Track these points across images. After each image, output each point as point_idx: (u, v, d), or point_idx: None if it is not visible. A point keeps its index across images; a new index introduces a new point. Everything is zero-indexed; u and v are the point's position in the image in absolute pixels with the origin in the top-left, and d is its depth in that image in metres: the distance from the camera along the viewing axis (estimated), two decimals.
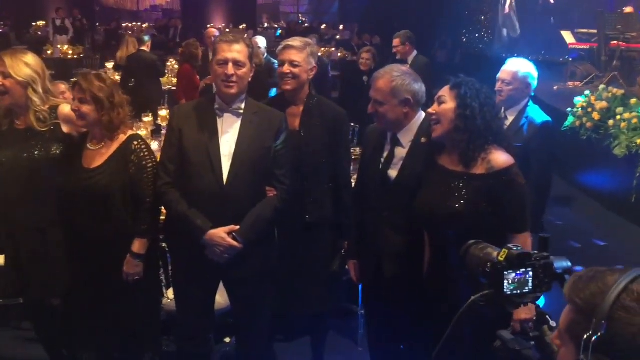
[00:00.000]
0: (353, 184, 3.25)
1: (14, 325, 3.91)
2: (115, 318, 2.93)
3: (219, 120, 2.77)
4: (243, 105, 2.79)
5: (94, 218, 2.82)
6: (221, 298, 3.06)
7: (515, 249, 1.43)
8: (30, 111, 2.93)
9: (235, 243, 2.71)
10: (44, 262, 2.98)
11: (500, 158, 2.42)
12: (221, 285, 2.96)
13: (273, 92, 5.77)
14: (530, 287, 1.42)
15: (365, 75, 6.45)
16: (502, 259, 1.42)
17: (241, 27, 16.18)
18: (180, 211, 2.74)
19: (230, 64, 2.69)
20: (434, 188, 2.55)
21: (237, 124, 2.77)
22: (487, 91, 2.52)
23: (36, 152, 2.93)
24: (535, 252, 1.44)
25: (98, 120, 2.82)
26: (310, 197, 3.08)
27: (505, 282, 1.41)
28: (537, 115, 3.62)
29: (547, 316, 1.47)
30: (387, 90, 2.67)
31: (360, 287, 3.36)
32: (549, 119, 3.67)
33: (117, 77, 8.94)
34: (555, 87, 9.08)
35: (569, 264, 1.45)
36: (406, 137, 2.76)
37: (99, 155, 2.86)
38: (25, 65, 2.92)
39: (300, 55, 3.06)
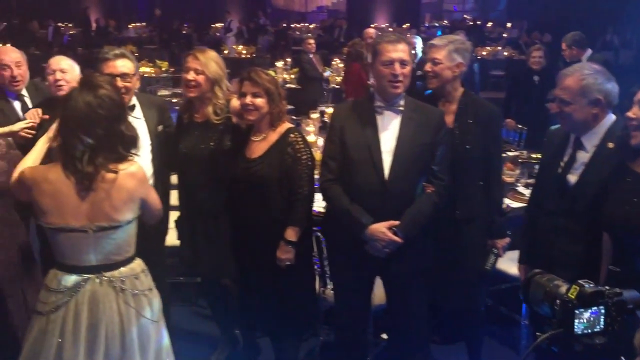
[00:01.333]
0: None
1: (192, 302, 4.25)
2: (275, 301, 3.08)
3: (378, 118, 2.83)
4: (402, 103, 2.83)
5: (254, 205, 2.99)
6: (380, 294, 3.11)
7: (587, 285, 1.34)
8: (210, 105, 3.18)
9: (396, 238, 2.75)
10: (215, 245, 3.21)
11: None
12: (380, 281, 3.01)
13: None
14: (602, 326, 1.34)
15: (537, 75, 6.11)
16: (573, 297, 1.34)
17: (404, 26, 16.17)
18: (342, 206, 2.83)
19: (397, 64, 2.74)
20: (627, 196, 2.38)
21: (397, 121, 2.82)
22: None
23: (212, 144, 3.17)
24: (607, 287, 1.35)
25: (268, 113, 2.98)
26: (461, 194, 3.05)
27: (576, 321, 1.33)
28: None
29: None
30: (576, 88, 2.54)
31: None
32: None
33: (285, 76, 9.42)
34: None
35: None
36: (591, 141, 2.61)
37: (259, 147, 3.02)
38: (215, 63, 3.18)
39: (441, 53, 3.06)
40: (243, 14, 18.86)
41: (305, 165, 2.98)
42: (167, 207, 3.32)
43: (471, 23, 19.31)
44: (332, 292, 3.23)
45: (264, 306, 3.13)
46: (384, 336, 3.61)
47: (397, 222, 2.76)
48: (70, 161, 2.24)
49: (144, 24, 19.25)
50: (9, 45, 3.78)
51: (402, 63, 2.75)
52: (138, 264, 2.45)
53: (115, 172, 2.28)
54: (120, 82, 3.05)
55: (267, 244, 2.99)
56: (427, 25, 20.13)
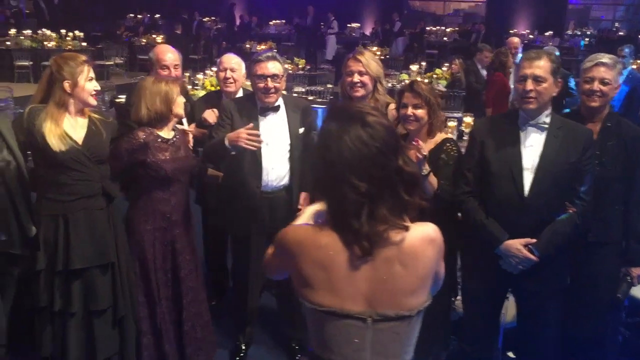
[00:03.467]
0: None
1: None
2: None
3: (521, 134, 2.82)
4: (548, 120, 2.80)
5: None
6: (513, 311, 3.08)
7: None
8: (371, 101, 3.32)
9: (531, 255, 2.73)
10: None
11: None
12: (512, 298, 2.98)
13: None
14: None
15: None
16: None
17: (547, 33, 15.50)
18: (477, 219, 2.84)
19: (530, 80, 2.73)
20: None
21: (541, 137, 2.79)
22: None
23: None
24: None
25: (428, 123, 3.04)
26: (597, 216, 2.95)
27: None
28: None
29: None
30: None
31: None
32: None
33: (419, 79, 9.41)
34: None
35: None
36: None
37: (414, 156, 3.09)
38: (375, 62, 3.36)
39: (610, 73, 3.04)
40: (379, 15, 18.99)
41: (449, 169, 3.03)
42: None
43: (621, 34, 18.08)
44: (462, 302, 3.25)
45: None
46: (511, 354, 3.56)
47: (533, 240, 2.73)
48: (341, 219, 1.61)
49: (283, 21, 20.00)
50: (168, 46, 3.99)
51: (536, 79, 2.73)
52: None
53: (405, 228, 1.63)
54: (270, 83, 3.25)
55: None
56: (569, 33, 19.13)
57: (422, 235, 1.65)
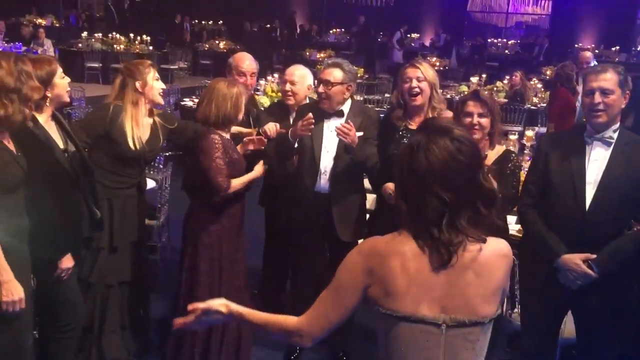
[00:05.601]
0: None
1: None
2: None
3: (587, 148, 2.79)
4: (615, 135, 2.76)
5: None
6: (572, 327, 3.04)
7: None
8: (429, 109, 3.37)
9: (589, 271, 2.69)
10: None
11: None
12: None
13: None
14: None
15: None
16: None
17: (613, 49, 15.08)
18: (538, 232, 2.83)
19: (597, 93, 2.71)
20: None
21: (607, 152, 2.75)
22: None
23: None
24: None
25: (489, 133, 3.04)
26: None
27: None
28: None
29: None
30: None
31: None
32: None
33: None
34: None
35: None
36: None
37: None
38: (431, 69, 3.43)
39: None
40: (440, 25, 18.89)
41: (517, 179, 3.06)
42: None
43: None
44: (518, 315, 3.23)
45: None
46: None
47: (593, 256, 2.70)
48: (422, 226, 1.67)
49: (342, 29, 20.16)
50: (248, 54, 4.12)
51: (604, 92, 2.71)
52: None
53: (482, 241, 1.69)
54: (321, 88, 3.40)
55: None
56: (638, 49, 18.50)
57: (497, 249, 1.71)
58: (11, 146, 2.47)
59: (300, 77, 3.85)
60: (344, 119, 3.46)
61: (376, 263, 1.69)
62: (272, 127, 3.61)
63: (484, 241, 1.68)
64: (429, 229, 1.64)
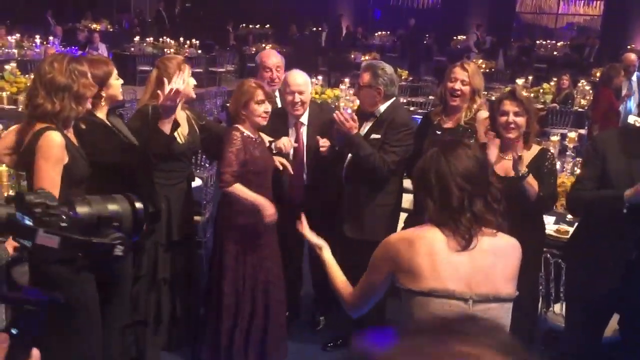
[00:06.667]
0: None
1: None
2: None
3: None
4: None
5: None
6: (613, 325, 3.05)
7: None
8: (467, 111, 3.43)
9: None
10: None
11: None
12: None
13: None
14: None
15: None
16: None
17: None
18: (595, 195, 2.86)
19: None
20: None
21: None
22: None
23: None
24: None
25: (525, 132, 3.06)
26: None
27: None
28: None
29: None
30: None
31: None
32: None
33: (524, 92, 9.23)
34: None
35: None
36: None
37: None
38: (479, 76, 3.51)
39: None
40: (489, 26, 18.64)
41: (554, 178, 3.12)
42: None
43: None
44: (554, 315, 3.25)
45: None
46: None
47: None
48: (446, 213, 1.94)
49: (388, 32, 20.15)
50: (272, 50, 4.27)
51: None
52: None
53: (496, 231, 1.97)
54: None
55: None
56: None
57: (509, 240, 2.01)
58: (75, 141, 2.65)
59: (306, 84, 3.69)
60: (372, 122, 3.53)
61: (403, 247, 1.95)
62: (287, 143, 3.51)
63: (497, 230, 1.97)
64: (453, 215, 1.93)
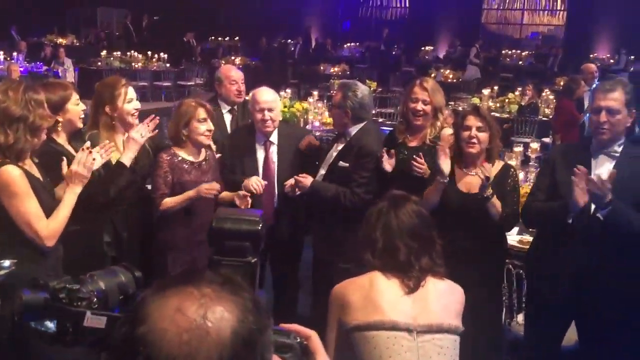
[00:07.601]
0: None
1: None
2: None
3: (593, 161, 2.87)
4: (619, 149, 2.85)
5: (467, 237, 3.03)
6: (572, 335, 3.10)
7: None
8: (431, 128, 3.44)
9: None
10: None
11: None
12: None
13: None
14: None
15: None
16: None
17: (631, 57, 14.98)
18: (542, 206, 2.96)
19: (604, 112, 2.78)
20: None
21: (611, 166, 2.82)
22: None
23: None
24: None
25: (488, 148, 3.11)
26: None
27: None
28: None
29: None
30: None
31: None
32: None
33: (490, 103, 9.34)
34: None
35: None
36: None
37: (475, 181, 3.13)
38: (440, 93, 3.48)
39: None
40: (453, 38, 18.90)
41: (517, 195, 3.15)
42: None
43: None
44: (517, 324, 3.29)
45: None
46: None
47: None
48: (391, 263, 2.12)
49: (357, 44, 20.27)
50: (231, 65, 4.35)
51: (610, 112, 2.78)
52: None
53: (440, 278, 2.15)
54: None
55: (481, 269, 3.04)
56: None
57: (451, 284, 2.17)
58: (35, 172, 2.49)
59: (276, 101, 3.64)
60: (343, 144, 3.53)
61: (350, 288, 2.09)
62: (257, 185, 3.43)
63: (441, 279, 2.14)
64: (397, 265, 2.11)
